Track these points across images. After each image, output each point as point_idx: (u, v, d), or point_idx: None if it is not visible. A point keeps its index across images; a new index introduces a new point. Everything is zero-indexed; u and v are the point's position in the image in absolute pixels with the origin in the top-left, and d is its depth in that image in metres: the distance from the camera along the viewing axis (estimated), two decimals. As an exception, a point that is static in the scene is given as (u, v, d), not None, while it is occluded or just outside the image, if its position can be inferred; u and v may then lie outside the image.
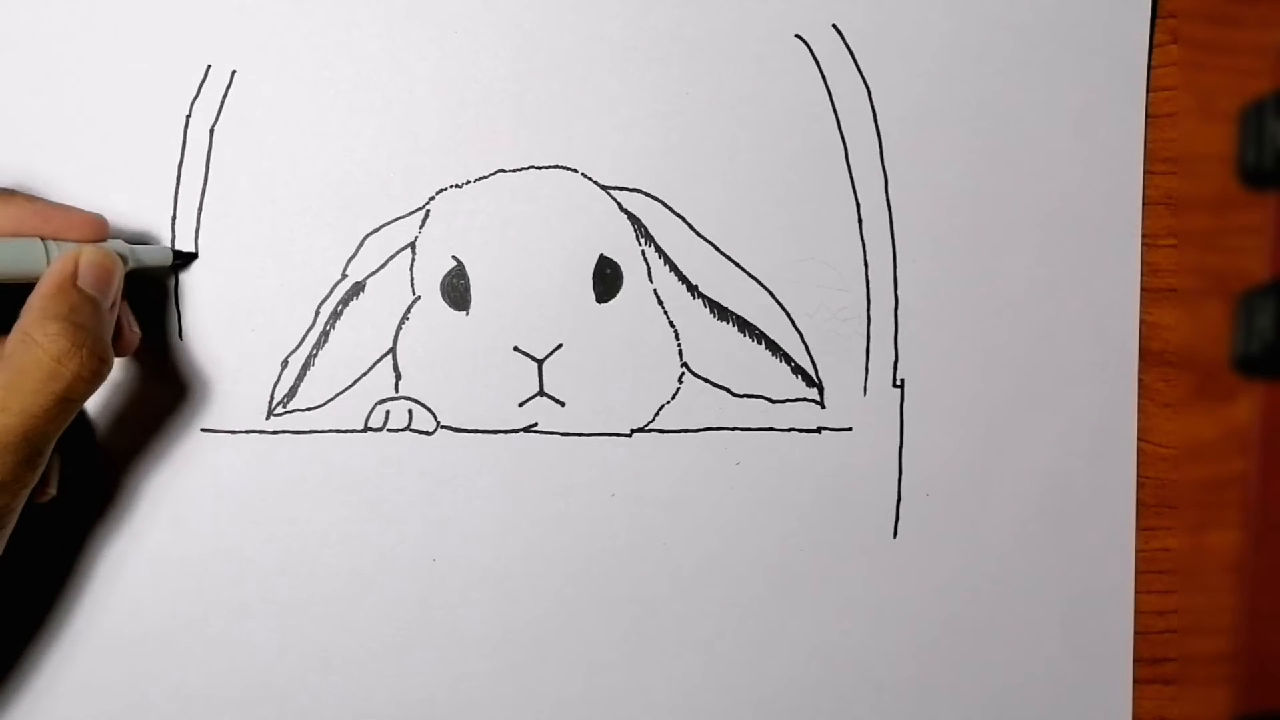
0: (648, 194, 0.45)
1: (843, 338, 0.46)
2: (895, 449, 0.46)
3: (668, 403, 0.45)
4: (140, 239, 0.44)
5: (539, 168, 0.45)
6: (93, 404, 0.44)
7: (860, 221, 0.45)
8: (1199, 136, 0.44)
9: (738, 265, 0.45)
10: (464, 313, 0.45)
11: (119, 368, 0.44)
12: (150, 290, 0.44)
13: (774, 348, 0.46)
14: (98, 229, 0.41)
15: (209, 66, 0.44)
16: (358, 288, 0.45)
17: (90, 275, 0.39)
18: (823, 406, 0.46)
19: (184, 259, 0.44)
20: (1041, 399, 0.46)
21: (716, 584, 0.46)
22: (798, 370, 0.46)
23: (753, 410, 0.46)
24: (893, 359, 0.46)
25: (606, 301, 0.45)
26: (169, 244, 0.44)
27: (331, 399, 0.45)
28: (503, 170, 0.45)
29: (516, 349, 0.45)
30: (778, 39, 0.45)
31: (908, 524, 0.46)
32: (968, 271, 0.45)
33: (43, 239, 0.39)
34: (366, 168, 0.45)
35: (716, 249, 0.45)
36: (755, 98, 0.45)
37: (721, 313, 0.45)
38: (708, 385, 0.46)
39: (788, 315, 0.45)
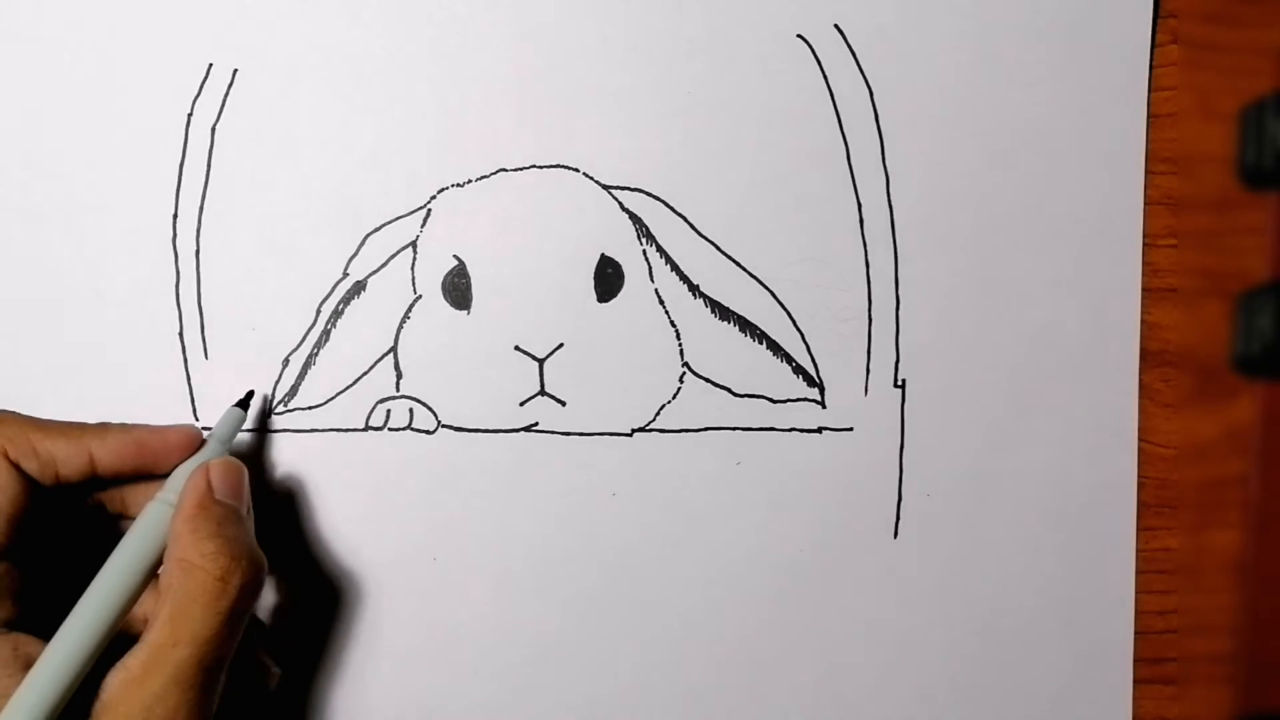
0: (649, 194, 0.45)
1: (844, 338, 0.46)
2: (896, 449, 0.46)
3: (668, 402, 0.45)
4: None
5: (540, 167, 0.45)
6: (95, 404, 0.44)
7: (861, 221, 0.45)
8: (1199, 136, 0.45)
9: (739, 265, 0.45)
10: (465, 312, 0.45)
11: (122, 370, 0.44)
12: (150, 289, 0.44)
13: (775, 348, 0.46)
14: (194, 440, 0.41)
15: (210, 65, 0.44)
16: (359, 287, 0.45)
17: (223, 487, 0.39)
18: (824, 407, 0.46)
19: (246, 402, 0.43)
20: (1041, 399, 0.46)
21: (717, 584, 0.46)
22: (799, 370, 0.46)
23: (754, 410, 0.46)
24: (894, 359, 0.46)
25: (607, 301, 0.45)
26: (170, 247, 0.44)
27: (332, 398, 0.45)
28: (504, 169, 0.45)
29: (517, 348, 0.45)
30: (779, 39, 0.45)
31: (908, 524, 0.46)
32: (968, 271, 0.46)
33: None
34: (367, 167, 0.45)
35: (718, 249, 0.45)
36: (757, 98, 0.45)
37: (723, 313, 0.45)
38: (709, 385, 0.46)
39: (789, 315, 0.45)
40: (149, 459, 0.40)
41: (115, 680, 0.36)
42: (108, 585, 0.37)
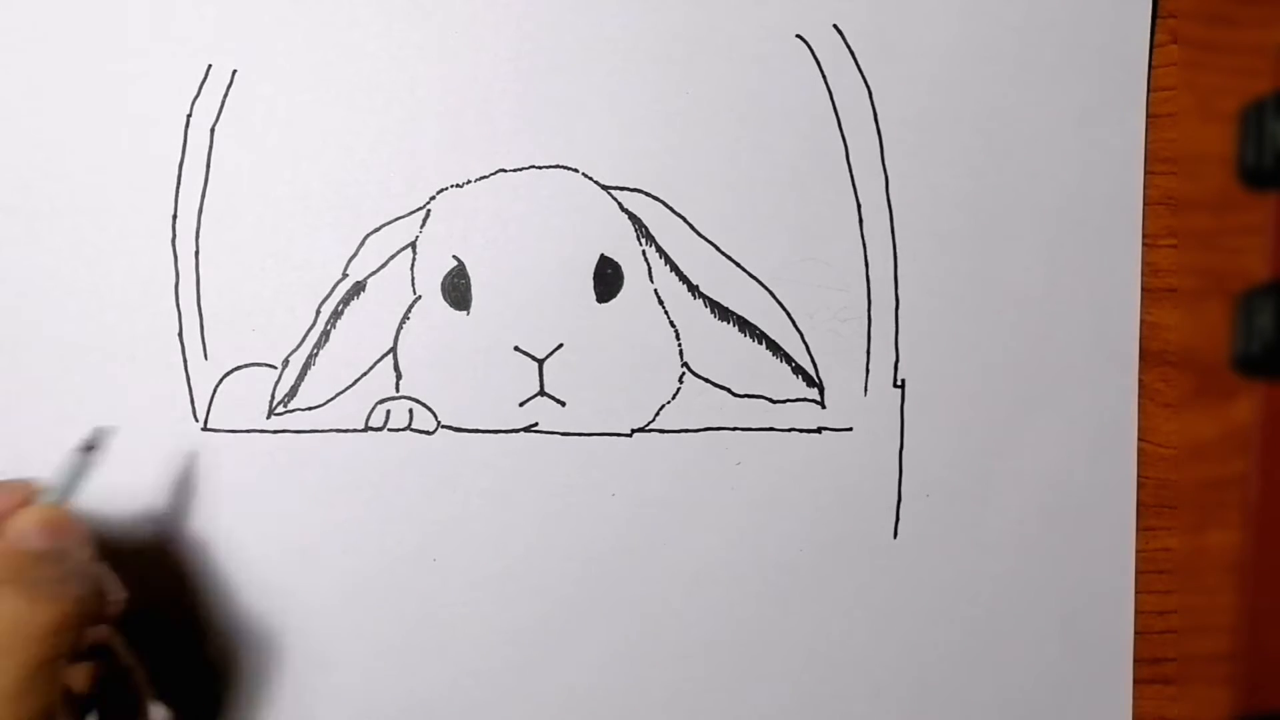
0: (648, 194, 0.45)
1: (843, 338, 0.46)
2: (895, 449, 0.46)
3: (668, 403, 0.46)
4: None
5: (539, 167, 0.45)
6: (95, 404, 0.44)
7: (861, 221, 0.45)
8: (1199, 136, 0.45)
9: (738, 265, 0.45)
10: (465, 312, 0.45)
11: (122, 370, 0.44)
12: (150, 290, 0.44)
13: (774, 348, 0.46)
14: (25, 492, 0.39)
15: (210, 66, 0.44)
16: (358, 287, 0.45)
17: (34, 535, 0.38)
18: (823, 407, 0.46)
19: (93, 445, 0.41)
20: (1041, 399, 0.46)
21: (717, 584, 0.46)
22: (798, 370, 0.46)
23: (753, 410, 0.46)
24: (893, 359, 0.46)
25: (607, 301, 0.45)
26: (170, 247, 0.44)
27: (332, 398, 0.45)
28: (503, 170, 0.45)
29: (517, 349, 0.45)
30: (778, 39, 0.45)
31: (908, 524, 0.46)
32: (968, 271, 0.46)
33: None
34: (367, 168, 0.45)
35: (717, 249, 0.45)
36: (756, 98, 0.45)
37: (722, 313, 0.46)
38: (708, 385, 0.46)
39: (788, 315, 0.45)
40: None
41: None
42: None
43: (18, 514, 0.38)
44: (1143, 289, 0.46)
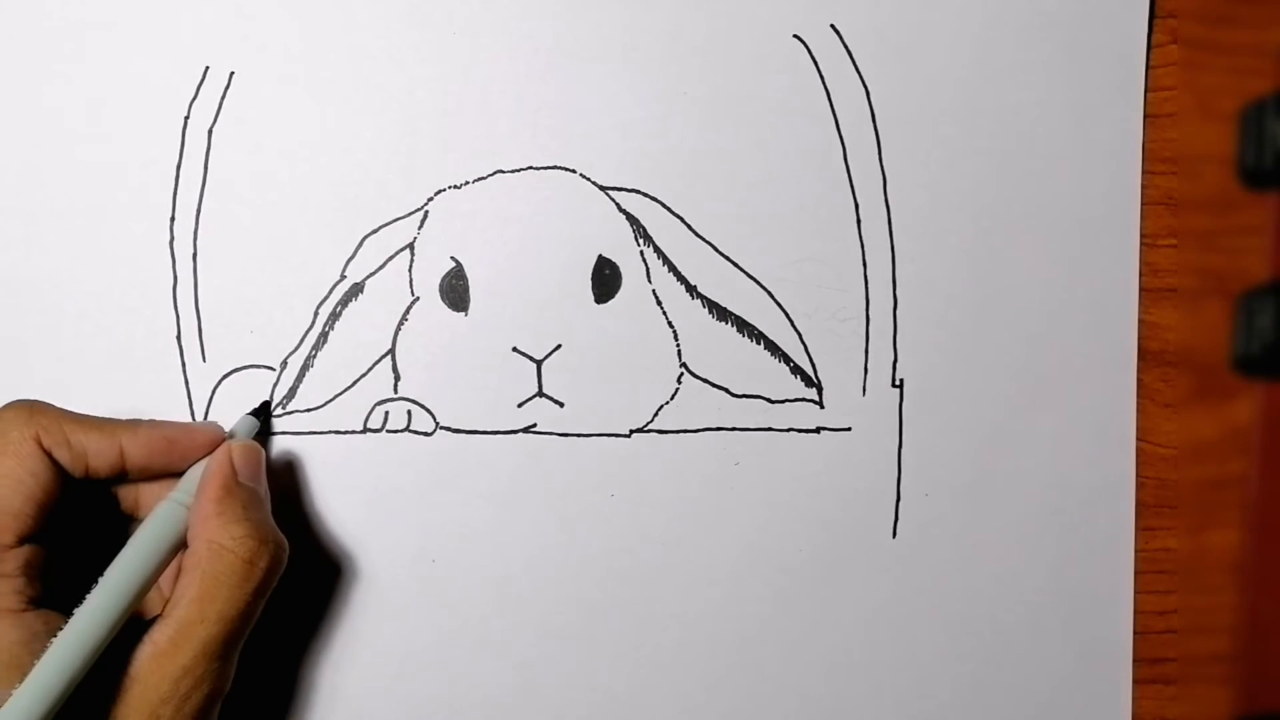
0: (646, 194, 0.45)
1: (842, 338, 0.46)
2: (894, 449, 0.46)
3: (667, 403, 0.45)
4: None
5: (537, 168, 0.45)
6: (93, 406, 0.44)
7: (859, 222, 0.45)
8: (1199, 136, 0.44)
9: (737, 265, 0.45)
10: (463, 313, 0.45)
11: (120, 372, 0.44)
12: (147, 292, 0.45)
13: (773, 348, 0.46)
14: (219, 440, 0.42)
15: (207, 68, 0.44)
16: (356, 289, 0.45)
17: (245, 469, 0.40)
18: (822, 406, 0.46)
19: (264, 414, 0.44)
20: (1041, 399, 0.46)
21: (716, 584, 0.46)
22: (797, 370, 0.46)
23: (752, 410, 0.46)
24: (892, 359, 0.46)
25: (605, 302, 0.45)
26: (168, 249, 0.44)
27: (330, 400, 0.45)
28: (501, 171, 0.45)
29: (515, 350, 0.45)
30: (776, 39, 0.45)
31: (907, 524, 0.46)
32: (967, 271, 0.45)
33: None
34: (365, 168, 0.45)
35: (715, 249, 0.45)
36: (754, 98, 0.45)
37: (720, 313, 0.45)
38: (707, 385, 0.46)
39: (787, 315, 0.45)
40: (177, 456, 0.41)
41: (144, 654, 0.37)
42: (118, 580, 0.38)
43: (231, 447, 0.41)
44: (1142, 289, 0.46)
